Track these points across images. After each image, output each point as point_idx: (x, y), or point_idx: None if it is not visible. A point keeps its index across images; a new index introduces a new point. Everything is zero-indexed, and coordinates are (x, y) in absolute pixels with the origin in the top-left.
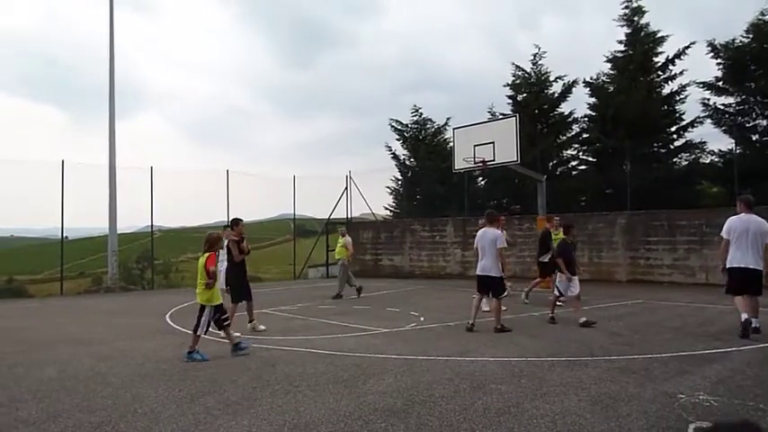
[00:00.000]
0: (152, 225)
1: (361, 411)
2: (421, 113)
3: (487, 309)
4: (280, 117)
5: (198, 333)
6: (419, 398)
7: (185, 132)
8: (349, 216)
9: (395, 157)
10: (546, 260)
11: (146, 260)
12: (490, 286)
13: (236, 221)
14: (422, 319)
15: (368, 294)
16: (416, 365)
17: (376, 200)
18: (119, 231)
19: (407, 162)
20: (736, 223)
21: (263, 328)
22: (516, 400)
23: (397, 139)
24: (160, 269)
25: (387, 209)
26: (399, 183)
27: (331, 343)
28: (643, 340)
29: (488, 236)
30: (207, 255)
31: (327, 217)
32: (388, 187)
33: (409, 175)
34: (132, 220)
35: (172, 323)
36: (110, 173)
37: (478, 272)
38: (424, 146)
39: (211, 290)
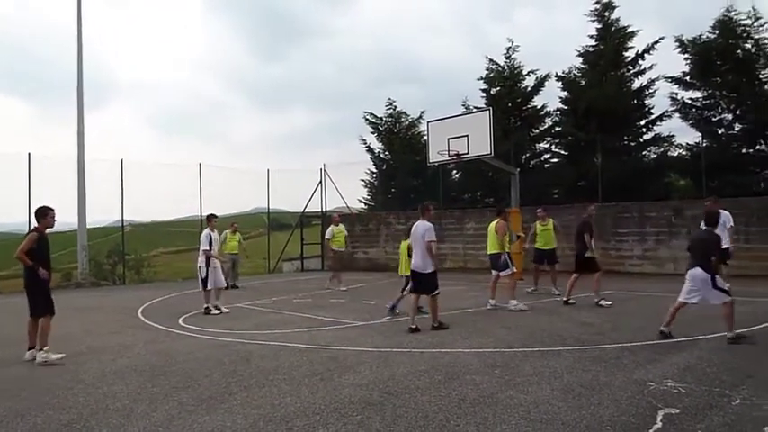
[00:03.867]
0: (123, 219)
1: (336, 404)
2: (395, 107)
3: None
4: (254, 110)
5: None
6: (394, 389)
7: (157, 125)
8: (324, 209)
9: (369, 150)
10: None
11: (117, 255)
12: (422, 283)
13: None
14: (397, 311)
15: (343, 287)
16: (392, 357)
17: (351, 193)
18: (89, 226)
19: (382, 155)
20: None
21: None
22: (490, 391)
23: (372, 133)
24: (132, 264)
25: (362, 202)
26: (374, 176)
27: (306, 336)
28: (614, 329)
29: (419, 229)
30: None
31: (302, 210)
32: (362, 180)
33: (384, 168)
34: (102, 214)
35: (144, 319)
36: (78, 166)
37: (411, 268)
38: (398, 139)
39: None
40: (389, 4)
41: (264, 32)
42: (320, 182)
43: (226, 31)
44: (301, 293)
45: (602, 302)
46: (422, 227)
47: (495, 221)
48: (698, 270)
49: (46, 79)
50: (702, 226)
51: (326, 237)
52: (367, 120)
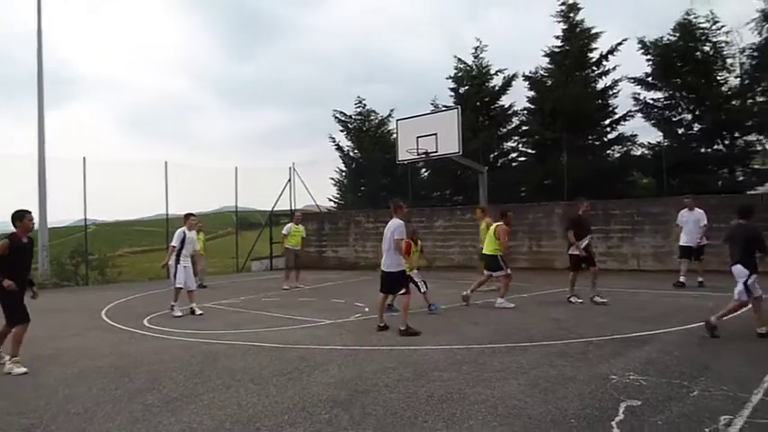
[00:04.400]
0: (85, 219)
1: (304, 403)
2: (365, 105)
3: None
4: (223, 108)
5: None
6: (363, 387)
7: (122, 123)
8: (293, 208)
9: (339, 148)
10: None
11: (80, 255)
12: (389, 283)
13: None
14: (366, 309)
15: (313, 286)
16: (361, 356)
17: (320, 191)
18: (50, 225)
19: (352, 154)
20: None
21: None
22: (458, 387)
23: (342, 131)
24: (95, 264)
25: (331, 200)
26: (344, 174)
27: (275, 336)
28: (580, 325)
29: (390, 227)
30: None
31: (271, 209)
32: (332, 179)
33: (353, 166)
34: (65, 213)
35: (108, 320)
36: (39, 164)
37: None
38: (368, 137)
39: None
40: (360, 3)
41: (235, 31)
42: (289, 180)
43: (196, 30)
44: (270, 292)
45: (571, 299)
46: (392, 225)
47: (497, 223)
48: (738, 266)
49: (4, 76)
50: (735, 221)
51: (283, 232)
52: (337, 118)
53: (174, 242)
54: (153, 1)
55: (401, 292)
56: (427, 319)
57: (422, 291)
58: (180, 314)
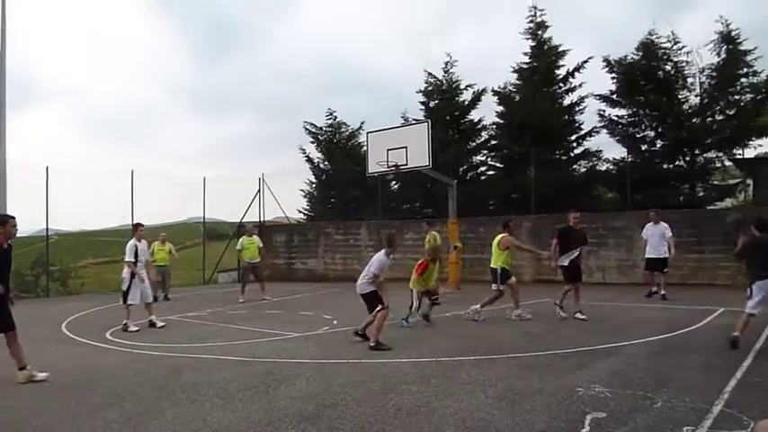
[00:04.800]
0: (47, 229)
1: (270, 417)
2: (335, 117)
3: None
4: (192, 117)
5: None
6: (331, 401)
7: (86, 130)
8: (262, 219)
9: (309, 160)
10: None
11: (41, 266)
12: (366, 302)
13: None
14: (335, 322)
15: (281, 298)
16: (329, 369)
17: (290, 203)
18: None
19: (322, 165)
20: None
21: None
22: (427, 400)
23: (312, 142)
24: (57, 276)
25: (301, 212)
26: (314, 186)
27: (241, 349)
28: (547, 337)
29: (373, 260)
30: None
31: (239, 220)
32: (302, 190)
33: (323, 178)
34: (26, 223)
35: (69, 333)
36: None
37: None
38: (338, 149)
39: None
40: (332, 15)
41: (205, 39)
42: (258, 191)
43: (166, 37)
44: (237, 305)
45: (559, 313)
46: (375, 259)
47: (501, 235)
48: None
49: None
50: (754, 233)
51: (237, 247)
52: (307, 129)
53: (129, 257)
54: (120, 4)
55: (378, 309)
56: (398, 332)
57: (412, 306)
58: (136, 329)
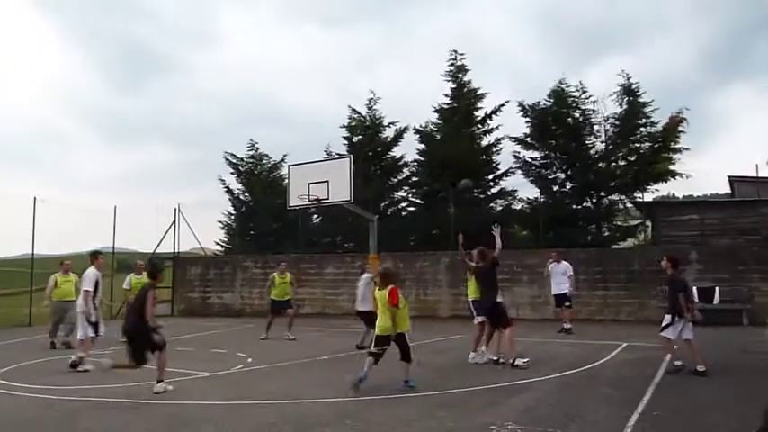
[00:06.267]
0: None
1: None
2: (257, 148)
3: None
4: (105, 145)
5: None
6: None
7: None
8: (176, 250)
9: (228, 191)
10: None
11: None
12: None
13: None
14: (249, 360)
15: (193, 335)
16: (240, 411)
17: (206, 234)
18: None
19: (242, 197)
20: None
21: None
22: None
23: (232, 173)
24: None
25: (218, 244)
26: (232, 217)
27: (145, 390)
28: (461, 374)
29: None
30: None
31: (153, 251)
32: (220, 222)
33: (243, 210)
34: None
35: None
36: None
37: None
38: (259, 181)
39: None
40: (255, 47)
41: (123, 66)
42: (174, 222)
43: (81, 63)
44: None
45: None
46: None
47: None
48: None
49: None
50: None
51: (124, 286)
52: (227, 160)
53: (88, 286)
54: (29, 26)
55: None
56: (311, 370)
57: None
58: (91, 367)
